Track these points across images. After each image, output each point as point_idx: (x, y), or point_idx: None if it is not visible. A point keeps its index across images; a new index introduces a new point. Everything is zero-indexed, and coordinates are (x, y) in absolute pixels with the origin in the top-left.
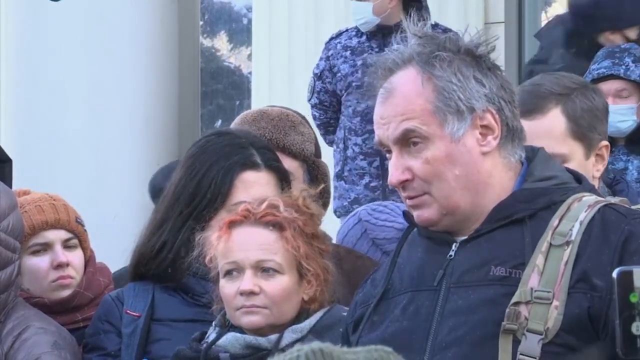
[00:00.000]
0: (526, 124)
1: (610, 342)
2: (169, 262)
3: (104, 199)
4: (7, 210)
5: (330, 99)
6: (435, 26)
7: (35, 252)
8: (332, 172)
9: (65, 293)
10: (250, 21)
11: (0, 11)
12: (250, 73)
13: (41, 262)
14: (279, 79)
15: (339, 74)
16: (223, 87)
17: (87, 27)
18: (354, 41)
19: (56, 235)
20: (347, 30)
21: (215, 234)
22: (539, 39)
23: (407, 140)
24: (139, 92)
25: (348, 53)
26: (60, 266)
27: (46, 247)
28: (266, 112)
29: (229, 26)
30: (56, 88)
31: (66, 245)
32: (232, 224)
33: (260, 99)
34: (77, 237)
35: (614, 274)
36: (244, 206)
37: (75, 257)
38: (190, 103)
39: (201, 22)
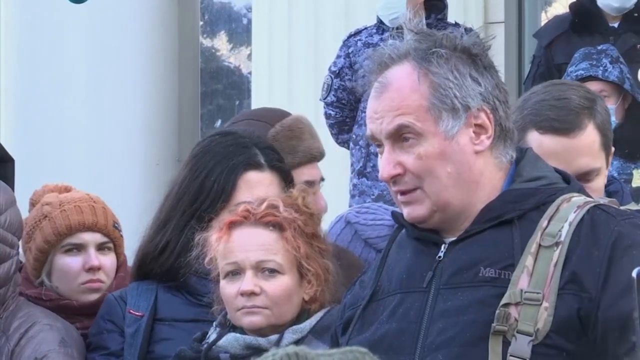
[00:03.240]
0: (564, 142)
1: (600, 342)
2: (172, 261)
3: (103, 199)
4: (5, 206)
5: (348, 97)
6: (455, 25)
7: (68, 251)
8: (348, 169)
9: (93, 297)
10: (250, 21)
11: (0, 11)
12: (250, 73)
13: (73, 262)
14: (279, 79)
15: (361, 71)
16: (223, 87)
17: (88, 27)
18: (375, 38)
19: (92, 238)
20: (365, 28)
21: (215, 235)
22: (538, 38)
23: (400, 135)
24: (139, 92)
25: (370, 50)
26: (91, 269)
27: (80, 248)
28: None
29: (229, 26)
30: (57, 88)
31: (100, 248)
32: (232, 225)
33: (260, 99)
34: (113, 241)
35: (634, 274)
36: (243, 206)
37: (108, 261)
38: (190, 103)
39: (201, 22)
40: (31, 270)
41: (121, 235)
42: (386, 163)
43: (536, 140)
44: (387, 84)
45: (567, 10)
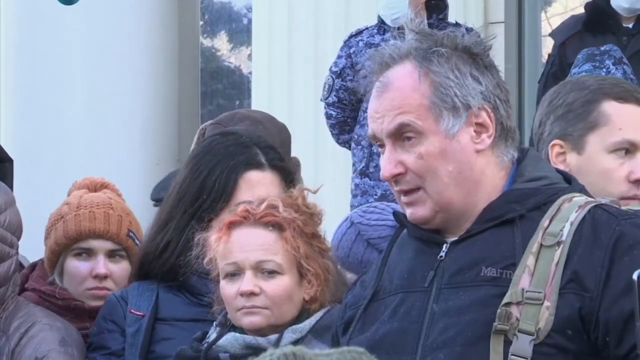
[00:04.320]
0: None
1: (602, 342)
2: (173, 261)
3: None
4: (4, 206)
5: (349, 97)
6: (456, 25)
7: (78, 255)
8: (349, 169)
9: (98, 303)
10: (250, 21)
11: (0, 11)
12: (250, 73)
13: (82, 266)
14: (279, 79)
15: (363, 71)
16: (223, 87)
17: (87, 27)
18: (377, 38)
19: (102, 245)
20: (366, 28)
21: (214, 235)
22: (552, 37)
23: (401, 135)
24: (139, 92)
25: (372, 50)
26: (97, 277)
27: (90, 253)
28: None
29: (229, 26)
30: (56, 88)
31: (111, 255)
32: (231, 225)
33: (260, 99)
34: (125, 250)
35: (635, 276)
36: (243, 207)
37: (118, 269)
38: (190, 103)
39: (201, 22)
40: (47, 268)
41: (136, 244)
42: (387, 162)
43: (616, 107)
44: (388, 84)
45: (566, 10)
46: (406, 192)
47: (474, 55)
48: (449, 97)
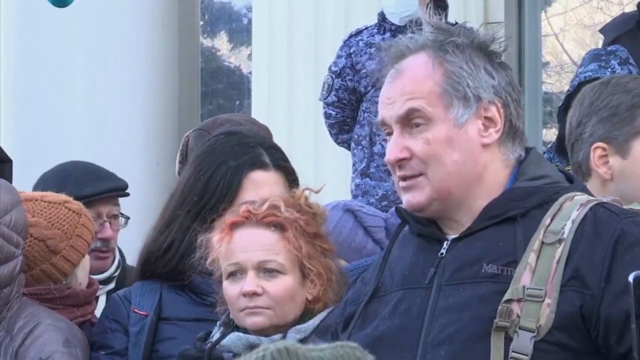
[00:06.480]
0: None
1: (602, 339)
2: (177, 261)
3: None
4: (10, 205)
5: (349, 97)
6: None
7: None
8: (350, 169)
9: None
10: (250, 21)
11: (0, 12)
12: (250, 73)
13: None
14: (279, 79)
15: (364, 71)
16: (223, 87)
17: (88, 27)
18: (377, 38)
19: None
20: (366, 27)
21: (217, 236)
22: (603, 34)
23: (410, 120)
24: (139, 92)
25: (372, 50)
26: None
27: None
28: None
29: (229, 26)
30: (56, 88)
31: None
32: (233, 225)
33: (260, 98)
34: None
35: (630, 279)
36: (245, 207)
37: None
38: (190, 103)
39: (201, 22)
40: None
41: None
42: (394, 146)
43: None
44: (402, 71)
45: (566, 10)
46: (406, 177)
47: (489, 52)
48: (461, 86)
